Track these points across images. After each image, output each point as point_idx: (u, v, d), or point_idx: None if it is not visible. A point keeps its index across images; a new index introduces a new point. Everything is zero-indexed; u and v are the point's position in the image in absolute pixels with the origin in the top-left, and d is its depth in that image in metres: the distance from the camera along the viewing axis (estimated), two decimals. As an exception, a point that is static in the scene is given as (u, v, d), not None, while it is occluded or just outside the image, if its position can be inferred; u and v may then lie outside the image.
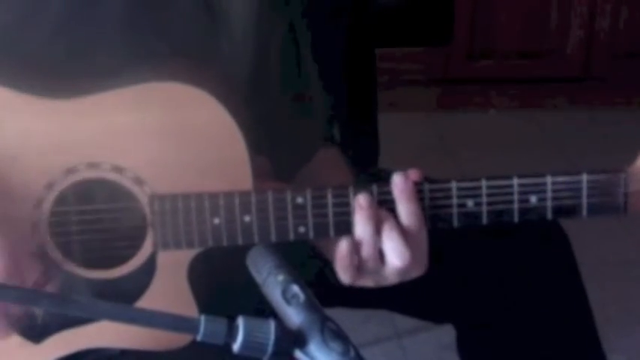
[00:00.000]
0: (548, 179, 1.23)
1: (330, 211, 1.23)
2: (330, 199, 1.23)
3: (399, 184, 1.21)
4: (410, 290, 1.46)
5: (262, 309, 1.01)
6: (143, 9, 1.28)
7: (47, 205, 1.23)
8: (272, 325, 0.97)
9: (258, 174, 1.25)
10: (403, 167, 1.24)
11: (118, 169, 1.23)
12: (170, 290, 1.25)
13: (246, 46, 1.31)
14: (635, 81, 3.61)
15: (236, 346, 0.97)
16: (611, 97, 3.64)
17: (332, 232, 1.23)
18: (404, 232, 1.21)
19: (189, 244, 1.24)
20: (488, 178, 1.24)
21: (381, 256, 1.22)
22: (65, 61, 1.26)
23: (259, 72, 1.32)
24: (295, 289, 1.00)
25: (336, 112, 1.43)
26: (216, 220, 1.23)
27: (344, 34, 1.44)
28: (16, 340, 1.26)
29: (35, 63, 1.25)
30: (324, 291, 1.11)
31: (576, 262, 1.47)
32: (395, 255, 1.20)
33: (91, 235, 1.25)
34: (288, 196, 1.23)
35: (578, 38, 3.59)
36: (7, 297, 1.02)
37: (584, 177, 1.23)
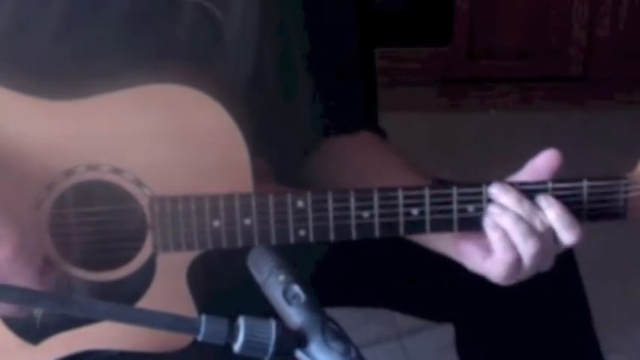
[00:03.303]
0: (550, 185, 1.23)
1: (331, 215, 1.23)
2: (330, 203, 1.23)
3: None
4: (410, 289, 1.46)
5: (262, 312, 1.01)
6: (145, 13, 1.28)
7: (47, 207, 1.23)
8: (273, 325, 0.97)
9: (257, 176, 1.25)
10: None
11: (118, 171, 1.23)
12: (169, 292, 1.25)
13: (246, 48, 1.32)
14: (635, 81, 3.61)
15: (237, 346, 0.97)
16: (611, 97, 3.63)
17: (332, 236, 1.23)
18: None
19: (189, 247, 1.24)
20: (488, 184, 1.24)
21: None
22: (66, 62, 1.26)
23: (257, 73, 1.32)
24: (296, 289, 1.00)
25: (332, 110, 1.43)
26: (216, 223, 1.23)
27: (342, 32, 1.44)
28: (15, 341, 1.26)
29: (36, 64, 1.25)
30: (325, 290, 1.11)
31: (576, 261, 1.46)
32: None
33: (91, 237, 1.25)
34: (289, 200, 1.23)
35: (578, 38, 3.59)
36: (7, 297, 1.02)
37: (585, 183, 1.23)
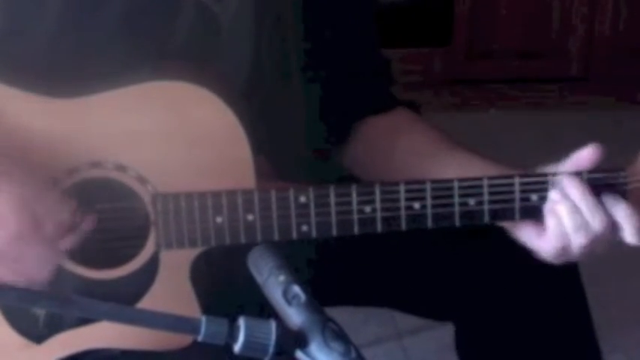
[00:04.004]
0: (550, 178, 1.24)
1: (333, 210, 1.23)
2: (332, 198, 1.23)
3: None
4: (410, 288, 1.46)
5: (265, 308, 1.01)
6: (143, 13, 1.28)
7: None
8: (273, 325, 0.97)
9: (259, 174, 1.25)
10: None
11: (121, 168, 1.23)
12: (172, 289, 1.26)
13: (243, 46, 1.32)
14: (636, 81, 3.61)
15: (237, 347, 0.97)
16: (611, 97, 3.63)
17: (334, 231, 1.24)
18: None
19: (192, 243, 1.24)
20: (489, 178, 1.25)
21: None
22: (64, 63, 1.26)
23: (256, 71, 1.33)
24: (296, 289, 1.00)
25: (362, 91, 1.44)
26: (219, 219, 1.23)
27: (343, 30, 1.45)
28: (17, 341, 1.26)
29: (35, 65, 1.25)
30: (325, 289, 1.11)
31: (576, 261, 1.47)
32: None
33: (94, 235, 1.25)
34: (291, 195, 1.23)
35: (578, 38, 3.59)
36: (7, 297, 1.02)
37: (585, 175, 1.23)
